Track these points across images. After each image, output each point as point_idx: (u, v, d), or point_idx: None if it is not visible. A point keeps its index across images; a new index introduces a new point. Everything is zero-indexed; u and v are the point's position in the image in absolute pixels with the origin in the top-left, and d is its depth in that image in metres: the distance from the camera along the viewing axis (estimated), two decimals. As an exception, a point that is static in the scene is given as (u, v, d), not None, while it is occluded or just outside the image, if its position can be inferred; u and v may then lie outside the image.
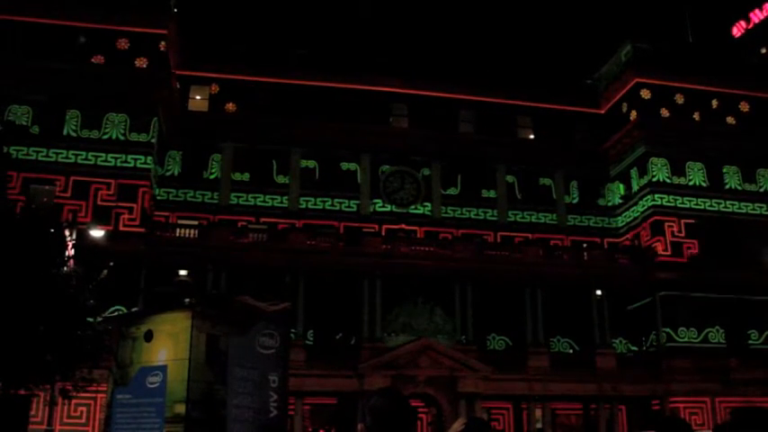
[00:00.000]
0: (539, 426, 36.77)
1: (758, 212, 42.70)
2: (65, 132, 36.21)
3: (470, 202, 43.14)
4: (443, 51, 55.34)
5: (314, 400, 35.46)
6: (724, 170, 43.06)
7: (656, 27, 61.97)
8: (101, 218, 33.75)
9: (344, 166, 42.29)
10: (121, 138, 36.55)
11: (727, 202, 42.35)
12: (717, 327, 39.51)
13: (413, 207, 42.47)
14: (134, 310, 25.16)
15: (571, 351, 40.48)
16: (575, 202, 44.75)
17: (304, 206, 41.13)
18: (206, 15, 54.10)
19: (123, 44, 37.64)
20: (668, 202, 41.24)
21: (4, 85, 35.02)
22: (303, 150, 41.75)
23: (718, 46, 50.11)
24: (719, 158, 42.98)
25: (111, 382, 8.78)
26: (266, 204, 40.73)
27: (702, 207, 41.71)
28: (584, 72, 48.24)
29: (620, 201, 44.28)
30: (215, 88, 41.90)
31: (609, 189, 45.17)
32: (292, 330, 33.09)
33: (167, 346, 8.16)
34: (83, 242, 25.75)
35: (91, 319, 19.47)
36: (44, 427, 25.95)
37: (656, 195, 41.18)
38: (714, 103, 44.00)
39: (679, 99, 43.36)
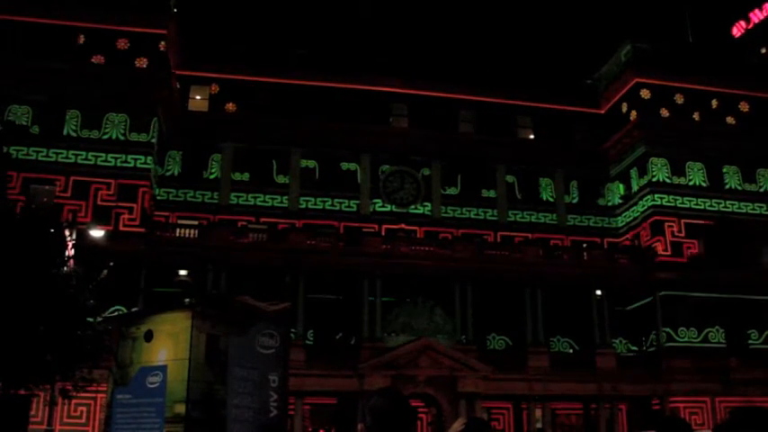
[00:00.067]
0: (539, 426, 36.76)
1: (758, 212, 42.69)
2: (65, 132, 36.21)
3: (470, 202, 43.14)
4: (443, 51, 55.36)
5: (314, 400, 35.46)
6: (724, 170, 43.07)
7: (656, 27, 62.00)
8: (101, 218, 33.74)
9: (344, 166, 42.30)
10: (121, 138, 36.55)
11: (727, 202, 42.35)
12: (717, 327, 39.52)
13: (413, 207, 42.47)
14: (134, 310, 25.18)
15: (571, 351, 40.50)
16: (575, 201, 44.75)
17: (304, 206, 41.13)
18: (206, 15, 54.16)
19: (123, 44, 37.64)
20: (668, 202, 41.24)
21: (4, 85, 35.01)
22: (303, 150, 41.75)
23: (718, 46, 50.08)
24: (719, 158, 42.98)
25: (111, 382, 8.78)
26: (266, 204, 40.73)
27: (702, 207, 41.71)
28: (584, 72, 48.27)
29: (620, 201, 44.29)
30: (215, 88, 41.90)
31: (609, 189, 45.18)
32: (292, 330, 33.08)
33: (167, 346, 8.16)
34: (83, 242, 25.75)
35: (91, 319, 19.46)
36: (44, 427, 25.95)
37: (656, 195, 41.18)
38: (714, 103, 44.01)
39: (679, 99, 43.37)
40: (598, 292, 39.09)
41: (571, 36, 70.39)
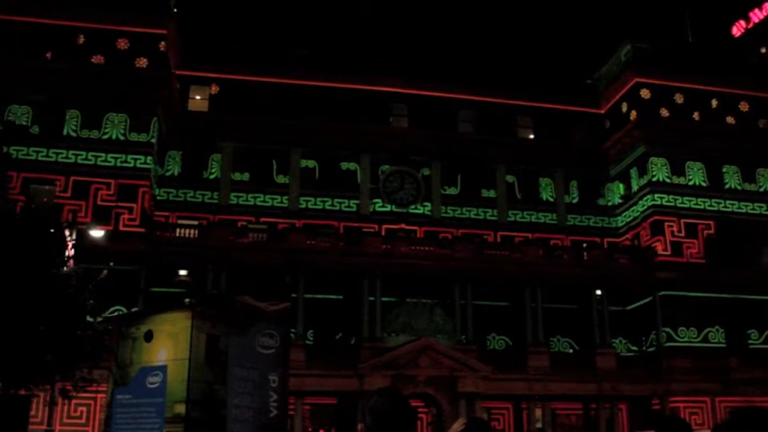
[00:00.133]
0: (539, 426, 36.77)
1: (758, 212, 42.69)
2: (65, 132, 36.20)
3: (470, 202, 43.14)
4: (443, 51, 55.35)
5: (314, 400, 35.46)
6: (724, 170, 43.06)
7: (655, 27, 62.01)
8: (101, 218, 33.75)
9: (344, 165, 42.30)
10: (121, 138, 36.54)
11: (727, 202, 42.35)
12: (717, 327, 39.52)
13: (413, 207, 42.47)
14: (134, 310, 25.18)
15: (571, 351, 40.50)
16: (574, 201, 44.75)
17: (304, 206, 41.13)
18: (206, 15, 54.16)
19: (123, 44, 37.64)
20: (668, 201, 41.24)
21: (4, 85, 34.99)
22: (303, 150, 41.75)
23: (718, 46, 50.08)
24: (719, 158, 42.97)
25: (111, 382, 8.78)
26: (266, 204, 40.73)
27: (702, 207, 41.71)
28: (584, 72, 48.26)
29: (620, 200, 44.29)
30: (215, 88, 41.90)
31: (609, 189, 45.18)
32: (292, 330, 33.08)
33: (167, 346, 8.16)
34: (83, 242, 25.72)
35: (91, 319, 19.46)
36: (44, 427, 25.94)
37: (656, 195, 41.18)
38: (714, 102, 44.01)
39: (679, 99, 43.37)
40: (598, 292, 39.10)
41: (571, 36, 70.45)
